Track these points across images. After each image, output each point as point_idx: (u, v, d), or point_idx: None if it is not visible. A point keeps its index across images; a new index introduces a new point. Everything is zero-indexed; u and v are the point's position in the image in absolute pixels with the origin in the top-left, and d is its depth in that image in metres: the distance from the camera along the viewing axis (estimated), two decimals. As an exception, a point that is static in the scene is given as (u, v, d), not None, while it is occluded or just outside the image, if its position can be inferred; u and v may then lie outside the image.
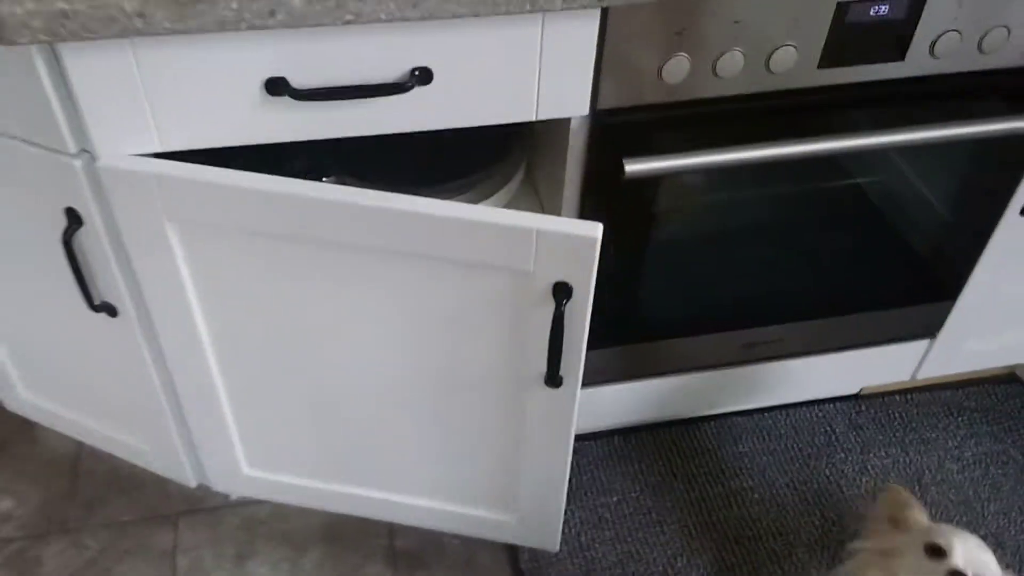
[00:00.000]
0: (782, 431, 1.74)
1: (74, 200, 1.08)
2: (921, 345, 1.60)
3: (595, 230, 0.95)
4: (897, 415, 1.77)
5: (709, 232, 1.35)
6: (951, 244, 1.46)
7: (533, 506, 1.32)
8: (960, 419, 1.77)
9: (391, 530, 1.57)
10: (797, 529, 1.58)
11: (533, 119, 1.10)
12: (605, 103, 1.10)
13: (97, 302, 1.18)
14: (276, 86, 1.00)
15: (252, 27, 0.92)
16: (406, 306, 1.10)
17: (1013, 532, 1.59)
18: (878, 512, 1.14)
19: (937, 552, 1.03)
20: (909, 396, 1.80)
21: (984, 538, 1.08)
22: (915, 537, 1.07)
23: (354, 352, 1.18)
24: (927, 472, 1.68)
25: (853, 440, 1.72)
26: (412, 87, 1.02)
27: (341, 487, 1.43)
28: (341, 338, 1.16)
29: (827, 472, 1.67)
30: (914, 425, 1.75)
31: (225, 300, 1.15)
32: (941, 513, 1.61)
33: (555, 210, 1.25)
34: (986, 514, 1.61)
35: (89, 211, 1.08)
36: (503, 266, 1.01)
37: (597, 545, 1.56)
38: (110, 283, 1.16)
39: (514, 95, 1.07)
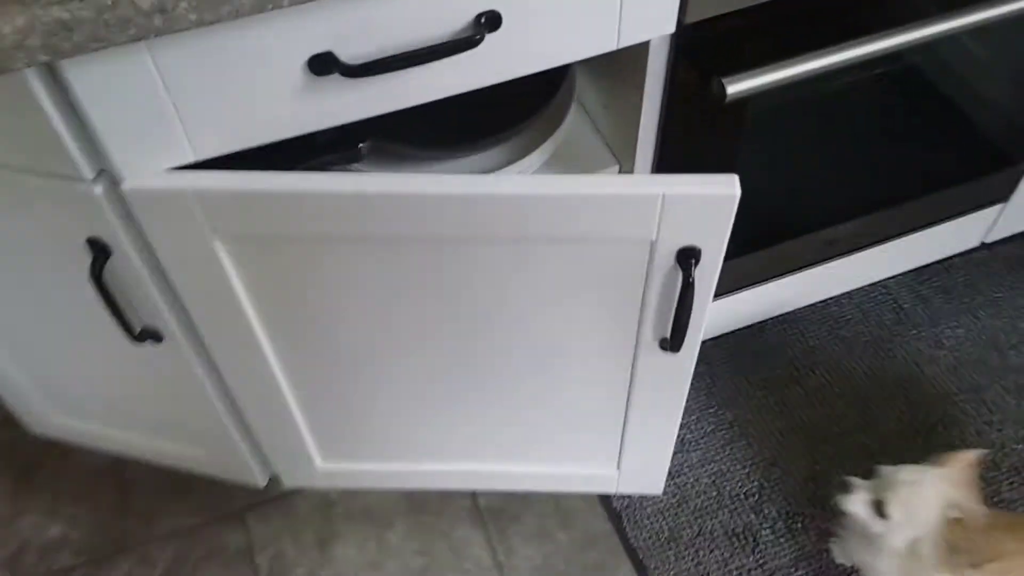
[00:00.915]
0: (849, 317, 1.67)
1: (98, 229, 0.91)
2: (994, 211, 1.52)
3: (732, 185, 0.82)
4: (960, 280, 1.71)
5: (789, 135, 1.23)
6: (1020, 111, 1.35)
7: (639, 460, 1.25)
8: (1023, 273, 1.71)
9: (474, 491, 1.50)
10: (884, 418, 1.54)
11: (615, 47, 0.94)
12: (693, 15, 0.95)
13: (138, 331, 1.03)
14: (323, 64, 0.83)
15: (296, 1, 0.75)
16: (501, 291, 0.97)
17: (1095, 385, 1.57)
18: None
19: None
20: (969, 257, 1.73)
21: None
22: None
23: (441, 341, 1.05)
24: (1002, 335, 1.63)
25: (922, 314, 1.67)
26: (481, 38, 0.86)
27: (424, 465, 1.34)
28: (426, 329, 1.04)
29: (903, 353, 1.62)
30: (980, 287, 1.70)
31: (287, 307, 1.01)
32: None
33: (627, 147, 1.11)
34: (1066, 370, 1.58)
35: (117, 239, 0.92)
36: (619, 238, 0.88)
37: (686, 470, 1.50)
38: (151, 310, 1.01)
39: (593, 23, 0.91)
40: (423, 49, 0.85)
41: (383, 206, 0.86)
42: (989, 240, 1.60)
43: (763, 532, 1.43)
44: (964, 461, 1.05)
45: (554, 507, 1.49)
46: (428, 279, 0.96)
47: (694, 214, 0.84)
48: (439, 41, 0.86)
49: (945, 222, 1.49)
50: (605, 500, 1.49)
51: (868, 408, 1.56)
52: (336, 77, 0.85)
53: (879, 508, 1.02)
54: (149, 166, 0.86)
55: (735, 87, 0.97)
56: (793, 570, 1.39)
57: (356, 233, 0.89)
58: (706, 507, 1.46)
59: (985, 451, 1.04)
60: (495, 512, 1.48)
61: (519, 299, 0.98)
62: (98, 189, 0.87)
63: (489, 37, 0.88)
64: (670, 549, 1.43)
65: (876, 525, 1.03)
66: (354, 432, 1.27)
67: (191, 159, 0.87)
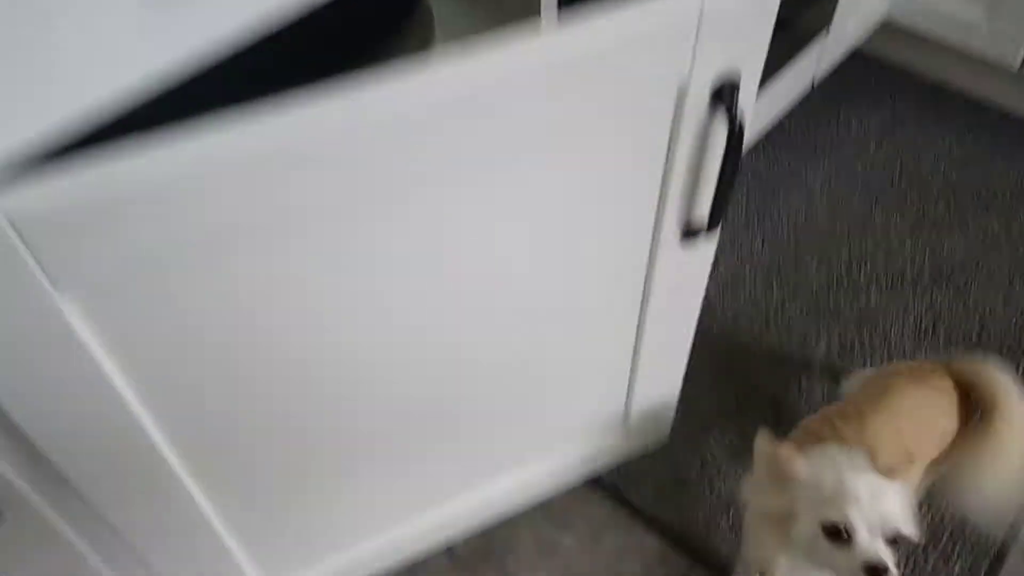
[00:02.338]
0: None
1: None
2: (817, 44, 1.50)
3: (770, -23, 0.64)
4: (799, 133, 1.69)
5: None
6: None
7: (650, 396, 1.05)
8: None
9: (444, 546, 1.21)
10: (804, 274, 1.47)
11: None
12: None
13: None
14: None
15: None
16: (491, 222, 0.72)
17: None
18: (757, 471, 0.90)
19: (836, 534, 0.81)
20: (796, 110, 1.73)
21: None
22: (810, 500, 0.84)
23: (417, 319, 0.78)
24: (857, 164, 1.64)
25: (782, 172, 1.63)
26: None
27: (390, 533, 1.04)
28: (399, 308, 0.76)
29: (786, 211, 1.56)
30: (816, 134, 1.69)
31: (185, 376, 0.69)
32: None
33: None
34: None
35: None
36: (638, 87, 0.67)
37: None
38: None
39: None
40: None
41: (325, 145, 0.58)
42: (819, 77, 1.59)
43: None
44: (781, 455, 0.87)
45: (544, 515, 1.25)
46: (394, 244, 0.69)
47: (735, 26, 0.65)
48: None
49: (781, 72, 1.44)
50: (593, 483, 1.27)
51: (787, 274, 1.48)
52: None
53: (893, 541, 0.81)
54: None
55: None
56: (810, 458, 1.27)
57: (293, 202, 0.60)
58: (694, 437, 1.30)
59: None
60: (481, 553, 1.21)
61: (514, 226, 0.73)
62: None
63: None
64: (683, 495, 1.25)
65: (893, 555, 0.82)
66: (303, 527, 0.95)
67: None
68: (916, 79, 1.78)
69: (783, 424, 1.29)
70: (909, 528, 0.82)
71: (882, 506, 0.82)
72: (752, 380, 1.35)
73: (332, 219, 0.63)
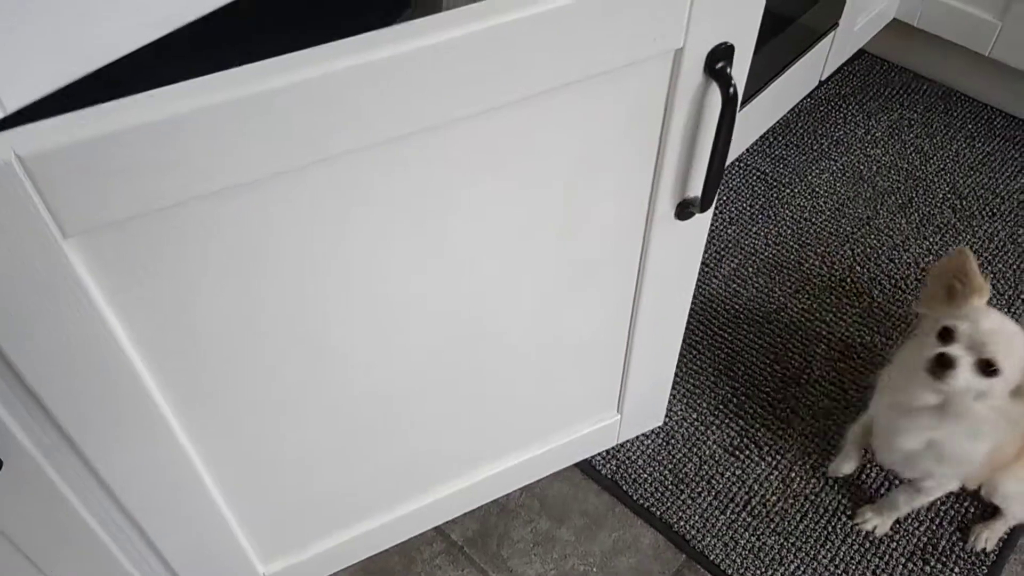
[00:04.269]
0: (723, 197, 1.58)
1: None
2: (827, 39, 1.49)
3: (766, -61, 0.64)
4: (802, 132, 1.69)
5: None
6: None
7: (644, 382, 1.04)
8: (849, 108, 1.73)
9: (438, 531, 1.20)
10: (812, 275, 1.46)
11: None
12: None
13: (-37, 456, 0.64)
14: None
15: None
16: (486, 198, 0.71)
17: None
18: (937, 276, 0.97)
19: (946, 336, 0.89)
20: (802, 106, 1.72)
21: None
22: (947, 315, 0.92)
23: (410, 307, 0.77)
24: (862, 167, 1.63)
25: (786, 172, 1.62)
26: None
27: (382, 518, 1.03)
28: (395, 294, 0.75)
29: (789, 213, 1.55)
30: (821, 131, 1.69)
31: (187, 338, 0.68)
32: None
33: None
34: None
35: None
36: (636, 57, 0.66)
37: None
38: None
39: None
40: None
41: (327, 97, 0.57)
42: (825, 75, 1.58)
43: (758, 434, 1.28)
44: (962, 262, 0.95)
45: (540, 506, 1.23)
46: (388, 214, 0.68)
47: (728, -6, 0.65)
48: None
49: (788, 69, 1.43)
50: (591, 473, 1.25)
51: (789, 273, 1.47)
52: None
53: (983, 367, 0.88)
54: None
55: None
56: (804, 458, 1.25)
57: (299, 159, 0.60)
58: (693, 434, 1.28)
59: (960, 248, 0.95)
60: (477, 540, 1.20)
61: (509, 203, 0.73)
62: None
63: None
64: (682, 491, 1.23)
65: (981, 384, 0.89)
66: (298, 508, 0.94)
67: (-1, 114, 0.53)
68: (925, 82, 1.77)
69: (782, 423, 1.28)
70: (1005, 364, 0.87)
71: (990, 338, 0.88)
72: (753, 378, 1.34)
73: (329, 180, 0.62)
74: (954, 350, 0.88)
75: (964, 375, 0.88)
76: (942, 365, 0.87)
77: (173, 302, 0.64)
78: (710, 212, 0.82)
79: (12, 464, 0.67)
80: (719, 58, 0.68)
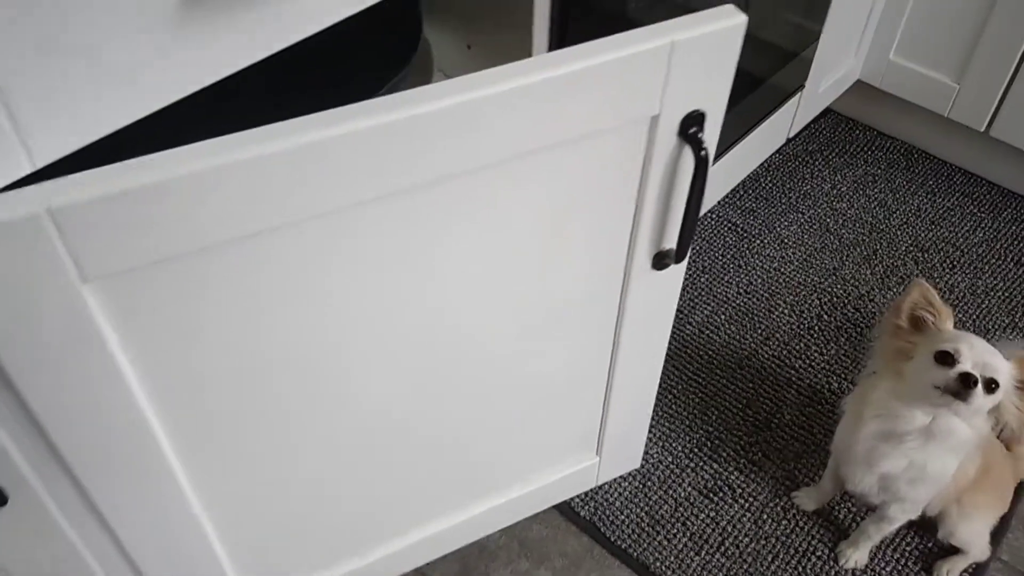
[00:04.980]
0: (696, 248, 1.64)
1: None
2: (794, 100, 1.57)
3: (736, 14, 0.70)
4: (770, 185, 1.76)
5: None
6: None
7: (623, 424, 1.08)
8: (815, 165, 1.81)
9: (419, 573, 1.22)
10: (778, 322, 1.52)
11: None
12: None
13: (-28, 493, 0.67)
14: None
15: None
16: (477, 245, 0.76)
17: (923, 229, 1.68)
18: (901, 307, 1.02)
19: (945, 359, 0.95)
20: (770, 161, 1.79)
21: None
22: (930, 340, 0.99)
23: (397, 344, 0.81)
24: (828, 220, 1.70)
25: (755, 224, 1.68)
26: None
27: (363, 559, 1.06)
28: (382, 333, 0.79)
29: (758, 261, 1.62)
30: (789, 186, 1.76)
31: (189, 377, 0.72)
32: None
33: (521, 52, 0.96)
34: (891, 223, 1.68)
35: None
36: (613, 121, 0.72)
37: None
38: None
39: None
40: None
41: (347, 153, 0.62)
42: (793, 133, 1.66)
43: (732, 476, 1.32)
44: (923, 292, 1.02)
45: (519, 547, 1.26)
46: (376, 261, 0.72)
47: (702, 62, 0.71)
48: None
49: (758, 126, 1.51)
50: (570, 515, 1.29)
51: (760, 320, 1.53)
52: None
53: (988, 385, 0.94)
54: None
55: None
56: (775, 500, 1.30)
57: (316, 209, 0.64)
58: (669, 477, 1.32)
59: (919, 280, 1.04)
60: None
61: (496, 249, 0.77)
62: None
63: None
64: (658, 532, 1.26)
65: (989, 401, 0.96)
66: (284, 547, 0.96)
67: (27, 170, 0.57)
68: (887, 139, 1.86)
69: (754, 466, 1.32)
70: (1004, 381, 0.95)
71: (989, 357, 0.95)
72: (726, 422, 1.38)
73: (343, 234, 0.67)
74: (970, 369, 0.94)
75: (979, 394, 0.94)
76: (966, 385, 0.93)
77: (179, 343, 0.68)
78: (684, 263, 0.87)
79: (17, 500, 0.70)
80: (691, 123, 0.74)
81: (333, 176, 0.63)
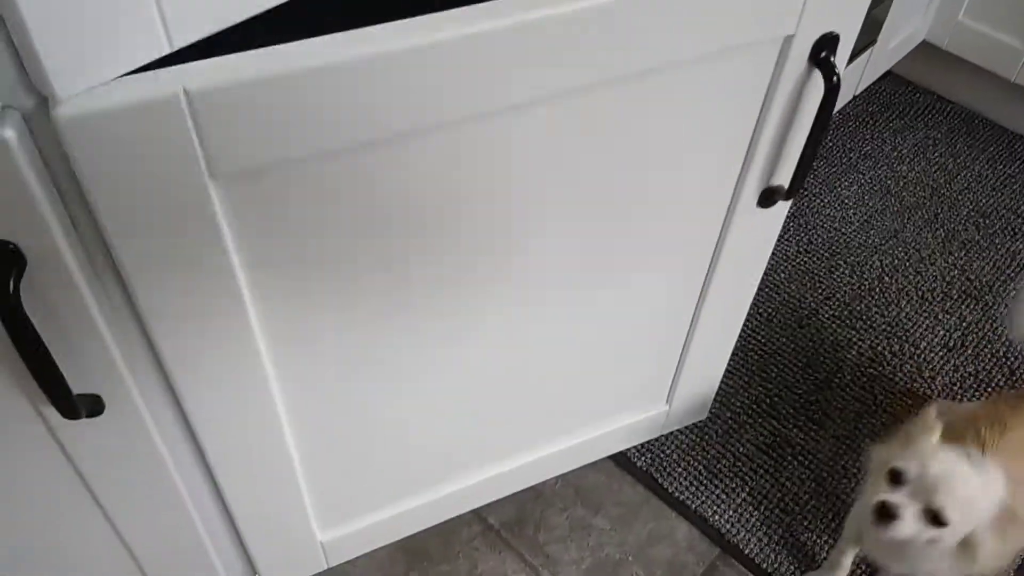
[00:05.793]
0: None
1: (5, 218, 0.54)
2: (864, 57, 1.53)
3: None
4: (832, 145, 1.72)
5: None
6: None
7: (698, 371, 1.06)
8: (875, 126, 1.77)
9: (476, 514, 1.21)
10: (837, 282, 1.49)
11: None
12: None
13: (71, 399, 0.64)
14: None
15: None
16: (607, 155, 0.73)
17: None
18: (908, 428, 0.90)
19: (896, 478, 0.84)
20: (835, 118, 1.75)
21: None
22: (901, 452, 0.87)
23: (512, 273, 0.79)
24: (890, 182, 1.66)
25: (816, 184, 1.65)
26: None
27: (428, 495, 1.04)
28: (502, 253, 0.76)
29: (819, 221, 1.59)
30: (851, 146, 1.72)
31: (303, 292, 0.69)
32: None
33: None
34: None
35: (40, 229, 0.55)
36: (755, 36, 0.68)
37: (692, 399, 1.33)
38: (86, 361, 0.64)
39: None
40: None
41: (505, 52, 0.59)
42: (860, 90, 1.62)
43: (792, 434, 1.30)
44: (930, 419, 0.89)
45: (574, 494, 1.24)
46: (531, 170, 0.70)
47: (842, -17, 0.67)
48: None
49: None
50: (625, 465, 1.27)
51: (820, 280, 1.50)
52: None
53: (930, 517, 0.82)
54: (95, 75, 0.51)
55: None
56: (836, 460, 1.28)
57: (461, 113, 0.61)
58: (727, 432, 1.30)
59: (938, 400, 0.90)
60: (514, 526, 1.21)
61: (603, 169, 0.74)
62: (6, 133, 0.51)
63: None
64: (716, 486, 1.25)
65: (929, 533, 0.83)
66: (360, 477, 0.95)
67: (165, 50, 0.53)
68: (948, 103, 1.81)
69: (814, 424, 1.30)
70: (953, 515, 0.81)
71: (944, 482, 0.81)
72: (785, 380, 1.36)
73: (487, 139, 0.64)
74: (897, 498, 0.83)
75: (909, 525, 0.83)
76: (883, 515, 0.83)
77: (291, 250, 0.65)
78: (789, 203, 0.85)
79: (113, 410, 0.68)
80: (823, 47, 0.71)
81: (492, 73, 0.60)
